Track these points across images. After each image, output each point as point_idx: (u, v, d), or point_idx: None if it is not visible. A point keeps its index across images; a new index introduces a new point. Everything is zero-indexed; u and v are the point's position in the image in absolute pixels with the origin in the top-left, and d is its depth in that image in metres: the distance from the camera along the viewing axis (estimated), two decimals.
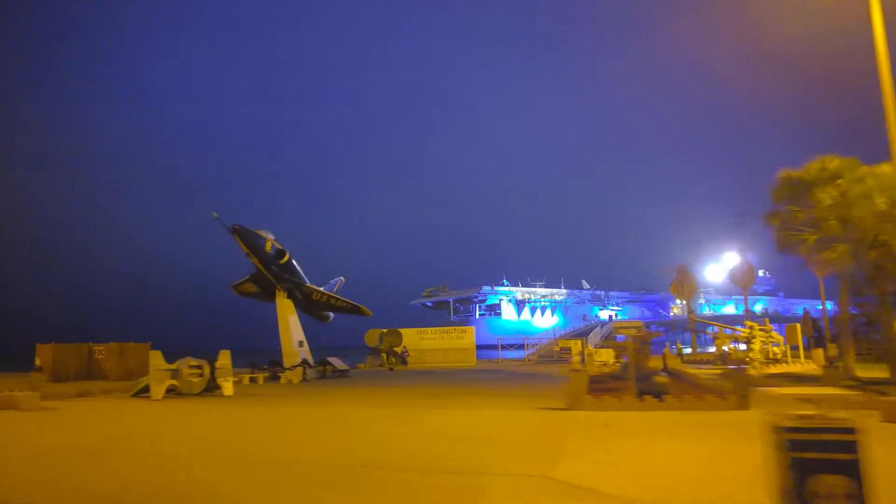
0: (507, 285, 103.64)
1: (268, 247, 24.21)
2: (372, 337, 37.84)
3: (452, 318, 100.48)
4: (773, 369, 21.88)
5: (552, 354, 39.56)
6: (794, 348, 24.46)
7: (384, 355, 36.91)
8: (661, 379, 13.06)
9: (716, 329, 33.06)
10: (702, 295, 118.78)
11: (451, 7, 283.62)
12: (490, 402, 15.49)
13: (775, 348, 22.81)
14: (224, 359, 18.19)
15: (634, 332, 16.65)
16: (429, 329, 40.95)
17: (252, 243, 23.63)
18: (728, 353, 27.93)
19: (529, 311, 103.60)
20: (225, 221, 22.84)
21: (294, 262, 25.88)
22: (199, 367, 17.61)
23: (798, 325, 26.95)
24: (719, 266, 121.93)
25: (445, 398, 16.89)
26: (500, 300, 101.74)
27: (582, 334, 58.19)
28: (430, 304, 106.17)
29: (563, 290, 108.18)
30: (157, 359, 17.12)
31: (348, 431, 10.87)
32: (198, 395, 17.48)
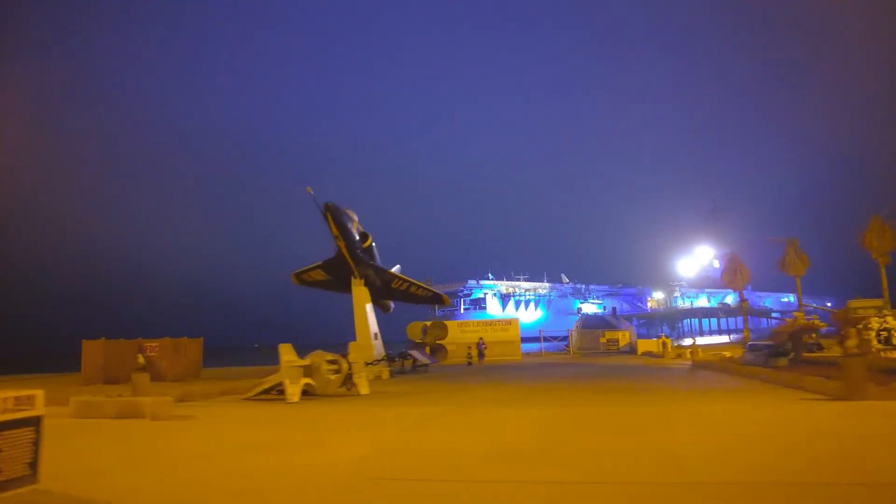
0: (492, 279, 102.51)
1: (355, 227, 21.64)
2: (415, 330, 35.50)
3: (437, 313, 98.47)
4: None
5: (597, 346, 38.21)
6: None
7: (428, 349, 34.64)
8: None
9: (780, 315, 32.38)
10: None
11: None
12: (700, 398, 13.76)
13: None
14: (355, 352, 15.70)
15: (874, 311, 15.11)
16: (470, 322, 38.98)
17: (343, 223, 20.97)
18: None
19: (514, 305, 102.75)
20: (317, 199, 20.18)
21: (374, 245, 23.36)
22: (335, 362, 15.07)
23: None
24: (693, 259, 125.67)
25: (629, 395, 15.00)
26: (485, 294, 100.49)
27: (591, 326, 57.20)
28: None
29: (546, 284, 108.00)
30: (289, 353, 14.50)
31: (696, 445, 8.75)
32: (329, 395, 14.95)
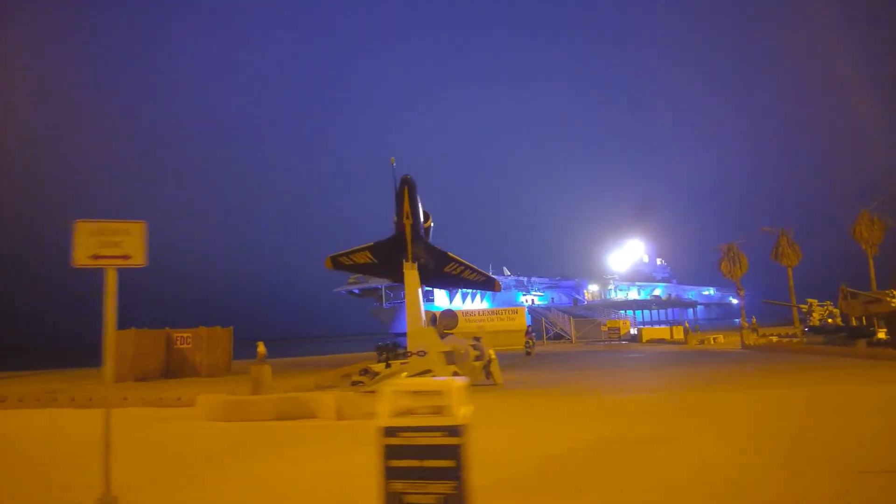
0: None
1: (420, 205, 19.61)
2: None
3: (385, 306, 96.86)
4: None
5: (596, 335, 38.16)
6: None
7: None
8: None
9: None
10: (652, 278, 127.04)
11: None
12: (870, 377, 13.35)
13: None
14: (484, 338, 14.00)
15: None
16: (475, 311, 37.65)
17: (416, 199, 18.88)
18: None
19: (461, 297, 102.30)
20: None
21: (433, 226, 21.37)
22: (476, 348, 13.32)
23: None
24: (625, 254, 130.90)
25: (801, 375, 14.35)
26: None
27: (577, 314, 57.72)
28: (356, 290, 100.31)
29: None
30: (432, 337, 12.58)
31: None
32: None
